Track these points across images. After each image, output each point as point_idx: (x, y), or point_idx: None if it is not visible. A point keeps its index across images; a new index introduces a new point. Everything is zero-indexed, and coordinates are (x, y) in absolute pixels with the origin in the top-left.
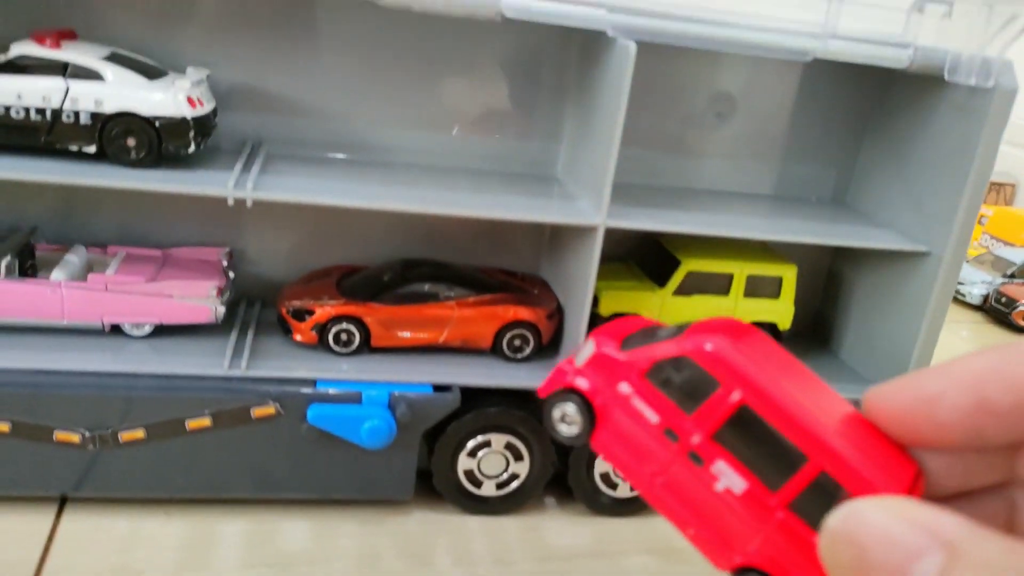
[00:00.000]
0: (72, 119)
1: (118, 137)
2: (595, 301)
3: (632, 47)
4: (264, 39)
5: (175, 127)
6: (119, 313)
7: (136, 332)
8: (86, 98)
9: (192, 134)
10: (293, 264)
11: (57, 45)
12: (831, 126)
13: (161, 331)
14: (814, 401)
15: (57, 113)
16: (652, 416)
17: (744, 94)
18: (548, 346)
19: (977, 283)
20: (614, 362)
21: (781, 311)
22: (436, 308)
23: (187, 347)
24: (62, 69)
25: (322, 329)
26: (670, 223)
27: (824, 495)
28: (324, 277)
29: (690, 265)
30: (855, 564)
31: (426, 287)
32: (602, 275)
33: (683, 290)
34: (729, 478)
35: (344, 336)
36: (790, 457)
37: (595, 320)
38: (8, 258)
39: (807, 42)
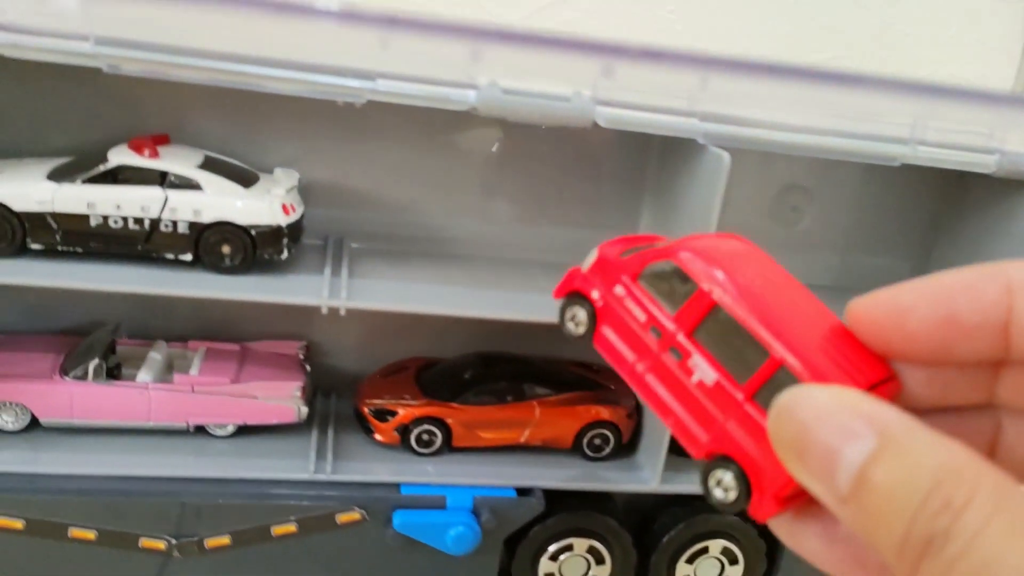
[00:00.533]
0: (170, 228)
1: (214, 245)
2: None
3: (726, 157)
4: (347, 136)
5: (269, 235)
6: (205, 414)
7: (220, 432)
8: (184, 208)
9: (285, 241)
10: (368, 355)
11: (155, 154)
12: (907, 219)
13: (244, 430)
14: (791, 308)
15: (155, 223)
16: (640, 315)
17: (819, 187)
18: (628, 444)
19: None
20: (611, 265)
21: None
22: (517, 408)
23: (271, 447)
24: (160, 178)
25: (404, 430)
26: None
27: (783, 388)
28: (402, 371)
29: None
30: (795, 440)
31: (506, 385)
32: None
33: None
34: (703, 371)
35: (426, 436)
36: (756, 353)
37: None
38: (96, 360)
39: (896, 149)
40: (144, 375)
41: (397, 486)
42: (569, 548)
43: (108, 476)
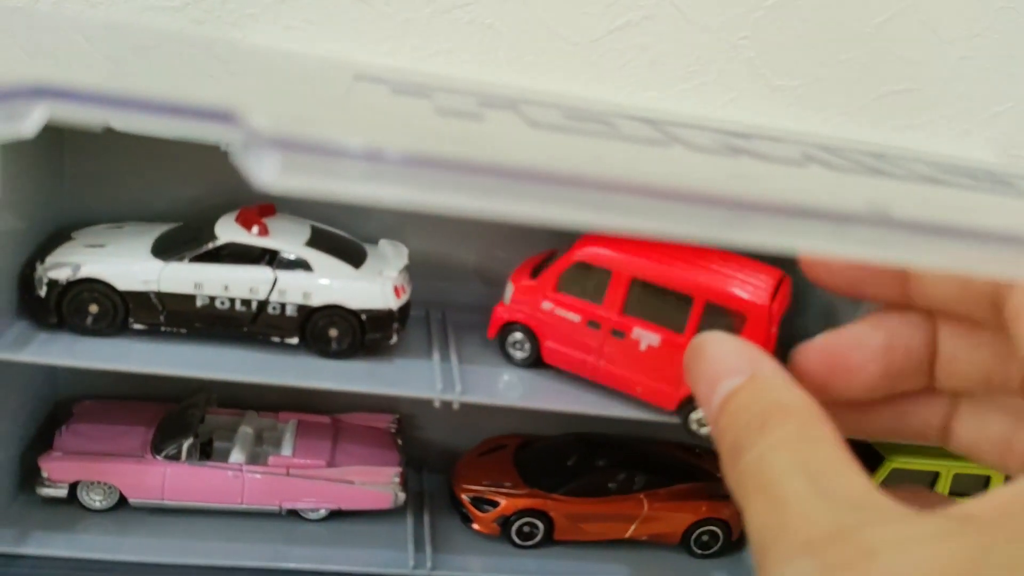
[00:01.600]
0: (278, 311)
1: (323, 329)
2: None
3: None
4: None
5: (380, 319)
6: (298, 498)
7: (313, 516)
8: (294, 291)
9: (395, 325)
10: (462, 429)
11: (265, 231)
12: None
13: (337, 513)
14: (685, 260)
15: (263, 304)
16: (574, 317)
17: None
18: (738, 539)
19: None
20: (530, 288)
21: None
22: (625, 502)
23: (366, 533)
24: (269, 258)
25: (505, 521)
26: None
27: (718, 318)
28: (498, 450)
29: (895, 463)
30: (693, 371)
31: (611, 473)
32: None
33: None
34: (647, 338)
35: (527, 529)
36: (683, 303)
37: None
38: (191, 439)
39: None
40: (237, 455)
41: None
42: None
43: (199, 566)
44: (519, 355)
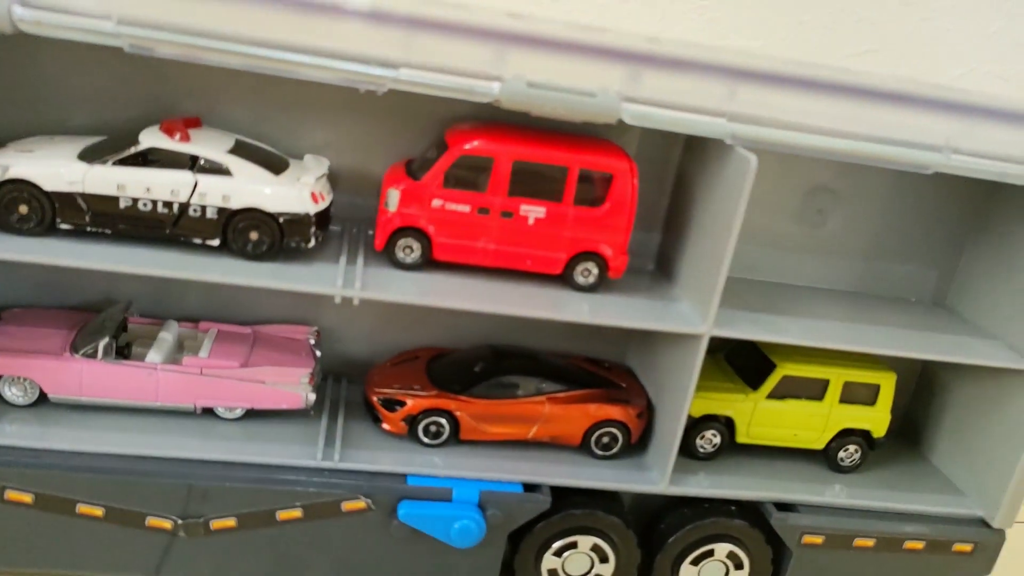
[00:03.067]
0: (199, 213)
1: (242, 232)
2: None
3: (753, 160)
4: (377, 124)
5: (298, 223)
6: (212, 397)
7: (228, 415)
8: (214, 193)
9: (313, 229)
10: (379, 343)
11: (187, 138)
12: (934, 226)
13: (252, 414)
14: (555, 142)
15: (184, 207)
16: (464, 207)
17: (846, 191)
18: (637, 443)
19: None
20: (417, 189)
21: (876, 419)
22: (527, 404)
23: (279, 432)
24: (191, 162)
25: (412, 420)
26: (775, 334)
27: (590, 183)
28: (413, 361)
29: (786, 369)
30: None
31: (516, 379)
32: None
33: (777, 394)
34: (533, 212)
35: (434, 428)
36: (560, 175)
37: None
38: (107, 339)
39: (929, 157)
40: (154, 355)
41: (403, 477)
42: (573, 545)
43: (116, 455)
44: (409, 259)
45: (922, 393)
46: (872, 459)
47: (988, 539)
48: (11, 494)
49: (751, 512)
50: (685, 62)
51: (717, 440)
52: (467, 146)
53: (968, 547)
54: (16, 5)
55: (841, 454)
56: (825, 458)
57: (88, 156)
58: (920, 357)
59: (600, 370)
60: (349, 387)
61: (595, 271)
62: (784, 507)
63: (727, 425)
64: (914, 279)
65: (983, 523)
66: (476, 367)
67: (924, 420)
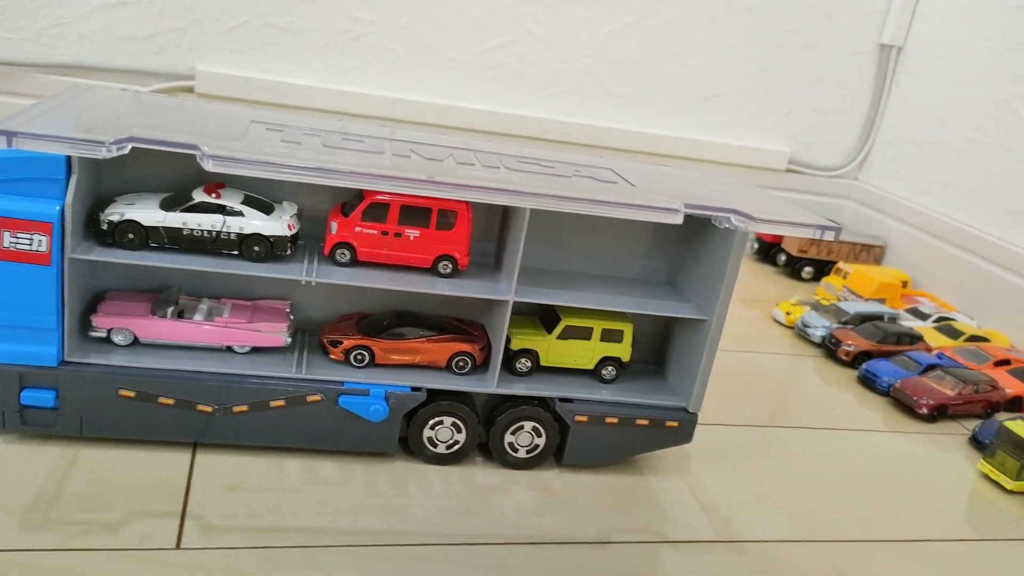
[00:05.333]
0: (227, 237)
1: (250, 246)
2: (510, 339)
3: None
4: (323, 189)
5: (280, 241)
6: (231, 340)
7: (241, 351)
8: (234, 226)
9: (288, 245)
10: (329, 311)
11: (219, 196)
12: (665, 238)
13: (256, 350)
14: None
15: (219, 234)
16: (374, 231)
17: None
18: (482, 365)
19: (819, 327)
20: (346, 223)
21: (623, 350)
22: (415, 343)
23: (271, 358)
24: (221, 208)
25: (347, 352)
26: (553, 299)
27: (445, 216)
28: (348, 320)
29: (568, 321)
30: None
31: (409, 329)
32: (516, 323)
33: (563, 336)
34: (413, 233)
35: (359, 357)
36: (428, 212)
37: (507, 351)
38: (172, 307)
39: (671, 216)
40: (198, 317)
41: (342, 383)
42: (441, 422)
43: (180, 370)
44: (344, 260)
45: (664, 336)
46: (627, 376)
47: (686, 419)
48: (122, 391)
49: (546, 404)
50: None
51: (529, 364)
52: (373, 198)
53: (675, 424)
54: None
55: (603, 372)
56: (594, 375)
57: (165, 206)
58: (642, 312)
59: (462, 324)
60: (311, 336)
61: (451, 266)
62: (566, 400)
63: (534, 355)
64: (655, 269)
65: (684, 410)
66: (385, 322)
67: (663, 352)
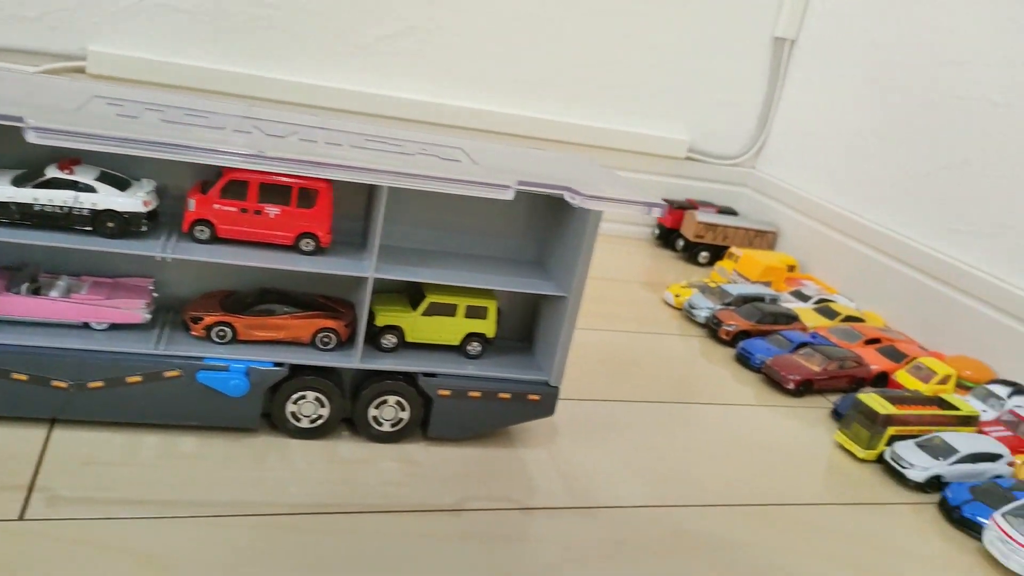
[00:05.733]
0: (79, 213)
1: (104, 222)
2: (375, 316)
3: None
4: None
5: (136, 217)
6: (88, 316)
7: (98, 327)
8: (87, 201)
9: (143, 221)
10: (197, 288)
11: (71, 172)
12: (534, 219)
13: (116, 327)
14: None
15: (70, 209)
16: (233, 208)
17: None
18: (347, 341)
19: (704, 308)
20: (205, 199)
21: (488, 327)
22: (278, 319)
23: (129, 334)
24: (74, 184)
25: (208, 328)
26: (413, 276)
27: (306, 194)
28: (212, 298)
29: (432, 298)
30: None
31: (273, 307)
32: (383, 301)
33: (427, 312)
34: (272, 211)
35: (221, 333)
36: (287, 190)
37: (369, 327)
38: (28, 283)
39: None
40: (54, 293)
41: (202, 358)
42: (304, 396)
43: (35, 345)
44: (203, 237)
45: (533, 313)
46: (495, 352)
47: (548, 392)
48: None
49: (411, 378)
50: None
51: (394, 340)
52: (232, 175)
53: (537, 397)
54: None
55: (468, 347)
56: (461, 351)
57: (17, 182)
58: (503, 289)
59: (330, 302)
60: (174, 313)
61: (313, 243)
62: (429, 375)
63: (399, 331)
64: (524, 249)
65: (546, 384)
66: (249, 299)
67: (532, 328)
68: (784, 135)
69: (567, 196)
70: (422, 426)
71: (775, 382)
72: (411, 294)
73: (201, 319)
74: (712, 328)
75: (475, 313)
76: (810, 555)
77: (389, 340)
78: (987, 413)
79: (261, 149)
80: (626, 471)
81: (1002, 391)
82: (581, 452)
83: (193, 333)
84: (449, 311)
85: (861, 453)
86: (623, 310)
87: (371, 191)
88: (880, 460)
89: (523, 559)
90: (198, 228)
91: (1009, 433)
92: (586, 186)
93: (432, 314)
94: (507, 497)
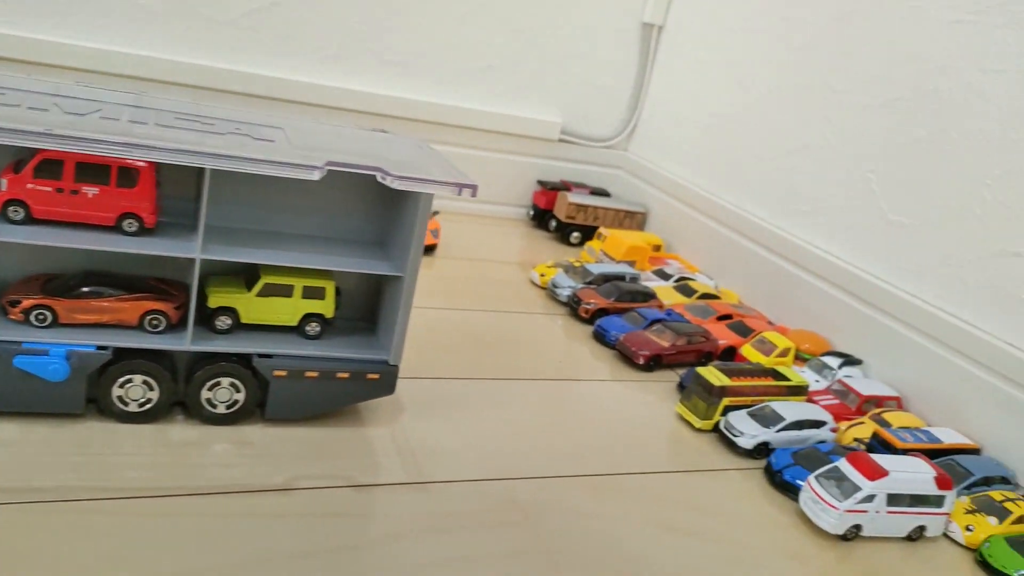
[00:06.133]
0: None
1: None
2: (208, 298)
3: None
4: None
5: None
6: None
7: None
8: None
9: None
10: (14, 272)
11: None
12: (375, 200)
13: None
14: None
15: None
16: (48, 188)
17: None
18: (179, 323)
19: (566, 287)
20: (17, 179)
21: (326, 307)
22: (102, 302)
23: None
24: None
25: (27, 311)
26: (245, 257)
27: (127, 173)
28: (33, 281)
29: (267, 279)
30: None
31: (99, 289)
32: (219, 282)
33: (262, 294)
34: (91, 191)
35: (41, 316)
36: (107, 169)
37: (203, 309)
38: None
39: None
40: None
41: (20, 343)
42: (131, 380)
43: None
44: (16, 217)
45: (377, 294)
46: (337, 332)
47: (387, 371)
48: None
49: (245, 360)
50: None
51: (229, 322)
52: (45, 154)
53: (377, 376)
54: None
55: (307, 328)
56: (298, 331)
57: None
58: (339, 270)
59: (162, 284)
60: None
61: (136, 224)
62: (264, 356)
63: (234, 313)
64: (366, 230)
65: (385, 363)
66: (72, 282)
67: (376, 309)
68: (653, 119)
69: (379, 176)
70: (260, 407)
71: (627, 358)
72: (249, 276)
73: (19, 302)
74: (573, 307)
75: (312, 294)
76: (639, 521)
77: (223, 322)
78: (819, 383)
79: (49, 127)
80: (468, 447)
81: (834, 362)
82: (426, 430)
83: (11, 317)
84: (285, 292)
85: (698, 423)
86: (490, 290)
87: (199, 172)
88: (716, 430)
89: (350, 535)
90: (11, 209)
91: (837, 401)
92: (402, 167)
93: (267, 295)
94: (340, 475)
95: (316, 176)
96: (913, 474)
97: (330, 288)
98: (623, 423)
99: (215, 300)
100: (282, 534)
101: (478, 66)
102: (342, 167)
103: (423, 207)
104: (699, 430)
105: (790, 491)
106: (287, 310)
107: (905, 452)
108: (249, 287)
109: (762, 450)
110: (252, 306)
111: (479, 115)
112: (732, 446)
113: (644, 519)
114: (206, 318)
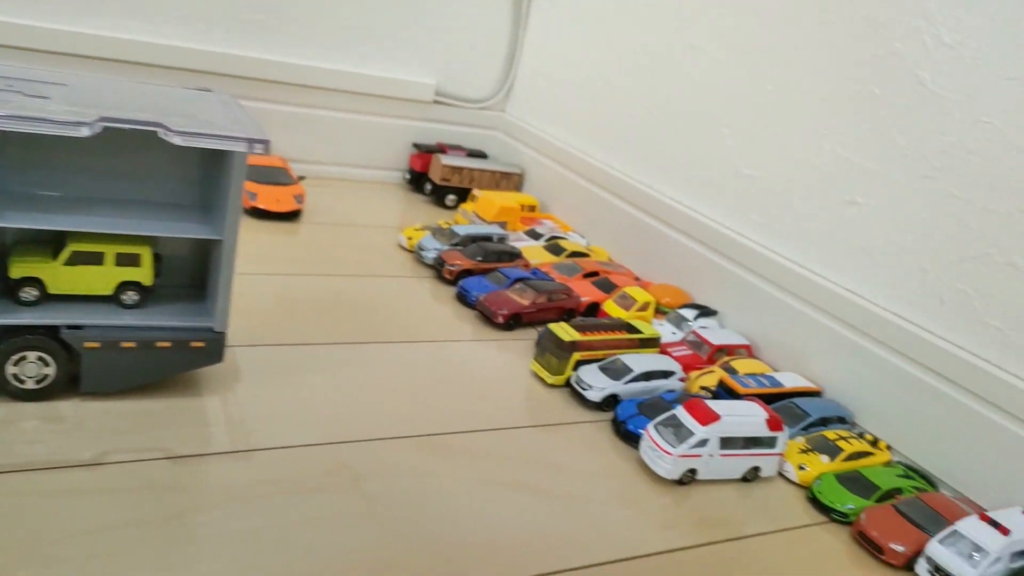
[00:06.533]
0: None
1: None
2: (10, 268)
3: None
4: None
5: None
6: None
7: None
8: None
9: None
10: None
11: None
12: (195, 162)
13: None
14: None
15: None
16: None
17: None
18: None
19: (432, 249)
20: None
21: (144, 274)
22: None
23: None
24: None
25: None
26: (45, 223)
27: None
28: None
29: (74, 247)
30: None
31: None
32: (21, 251)
33: (70, 262)
34: None
35: None
36: None
37: (6, 281)
38: None
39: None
40: None
41: None
42: (24, 358)
43: None
44: None
45: (205, 259)
46: (160, 300)
47: (214, 338)
48: None
49: (54, 331)
50: None
51: (36, 293)
52: None
53: (202, 344)
54: None
55: (123, 297)
56: (115, 300)
57: None
58: (150, 234)
59: None
60: None
61: None
62: (74, 327)
63: (39, 283)
64: (187, 193)
65: (211, 330)
66: None
67: (206, 276)
68: (529, 79)
69: (160, 133)
70: (76, 381)
71: (488, 318)
72: (57, 244)
73: None
74: (438, 269)
75: (127, 261)
76: (478, 479)
77: (29, 293)
78: (676, 335)
79: None
80: (303, 413)
81: (690, 314)
82: (262, 398)
83: None
84: (96, 260)
85: (550, 379)
86: (355, 255)
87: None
88: (568, 384)
89: (163, 506)
90: None
91: (690, 352)
92: (191, 124)
93: (76, 263)
94: (159, 447)
95: (85, 132)
96: (745, 417)
97: (146, 254)
98: (477, 382)
99: (17, 270)
100: (84, 510)
101: (343, 25)
102: (118, 123)
103: (237, 167)
104: (552, 386)
105: (633, 441)
106: (99, 279)
107: (746, 397)
108: (56, 256)
109: (611, 402)
110: (59, 275)
111: (349, 77)
112: (582, 400)
113: (485, 477)
114: (10, 290)
